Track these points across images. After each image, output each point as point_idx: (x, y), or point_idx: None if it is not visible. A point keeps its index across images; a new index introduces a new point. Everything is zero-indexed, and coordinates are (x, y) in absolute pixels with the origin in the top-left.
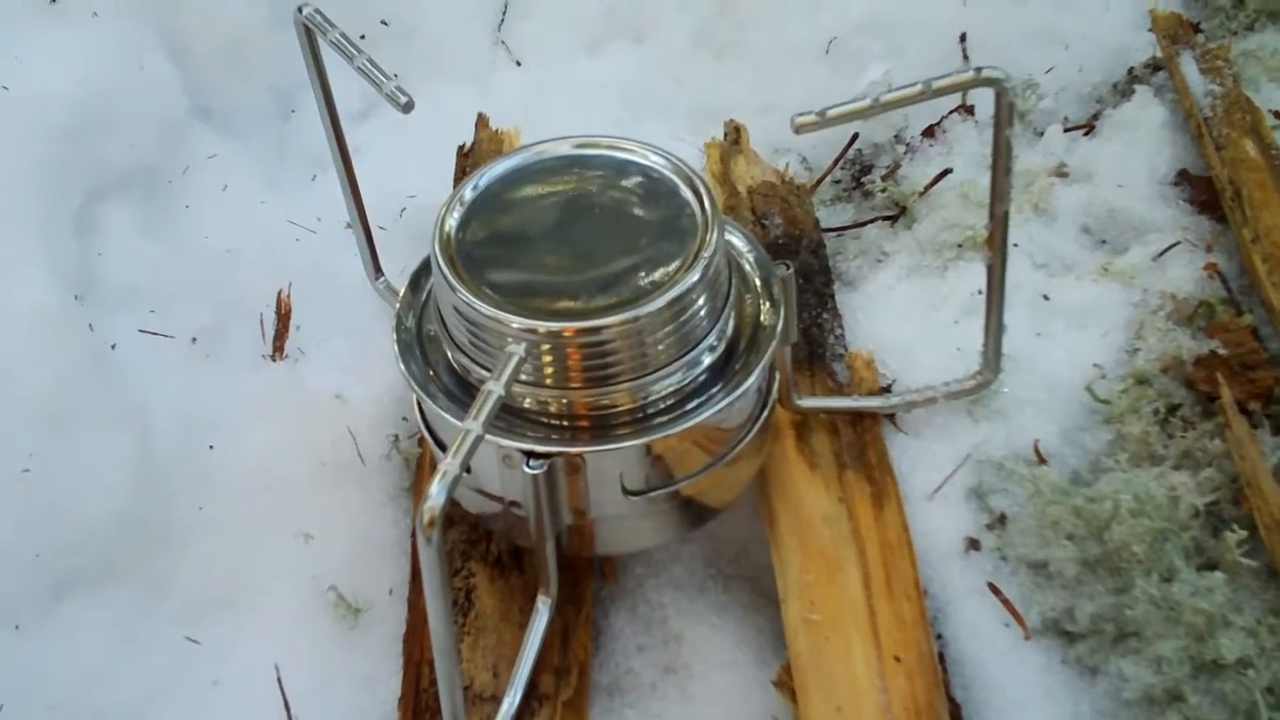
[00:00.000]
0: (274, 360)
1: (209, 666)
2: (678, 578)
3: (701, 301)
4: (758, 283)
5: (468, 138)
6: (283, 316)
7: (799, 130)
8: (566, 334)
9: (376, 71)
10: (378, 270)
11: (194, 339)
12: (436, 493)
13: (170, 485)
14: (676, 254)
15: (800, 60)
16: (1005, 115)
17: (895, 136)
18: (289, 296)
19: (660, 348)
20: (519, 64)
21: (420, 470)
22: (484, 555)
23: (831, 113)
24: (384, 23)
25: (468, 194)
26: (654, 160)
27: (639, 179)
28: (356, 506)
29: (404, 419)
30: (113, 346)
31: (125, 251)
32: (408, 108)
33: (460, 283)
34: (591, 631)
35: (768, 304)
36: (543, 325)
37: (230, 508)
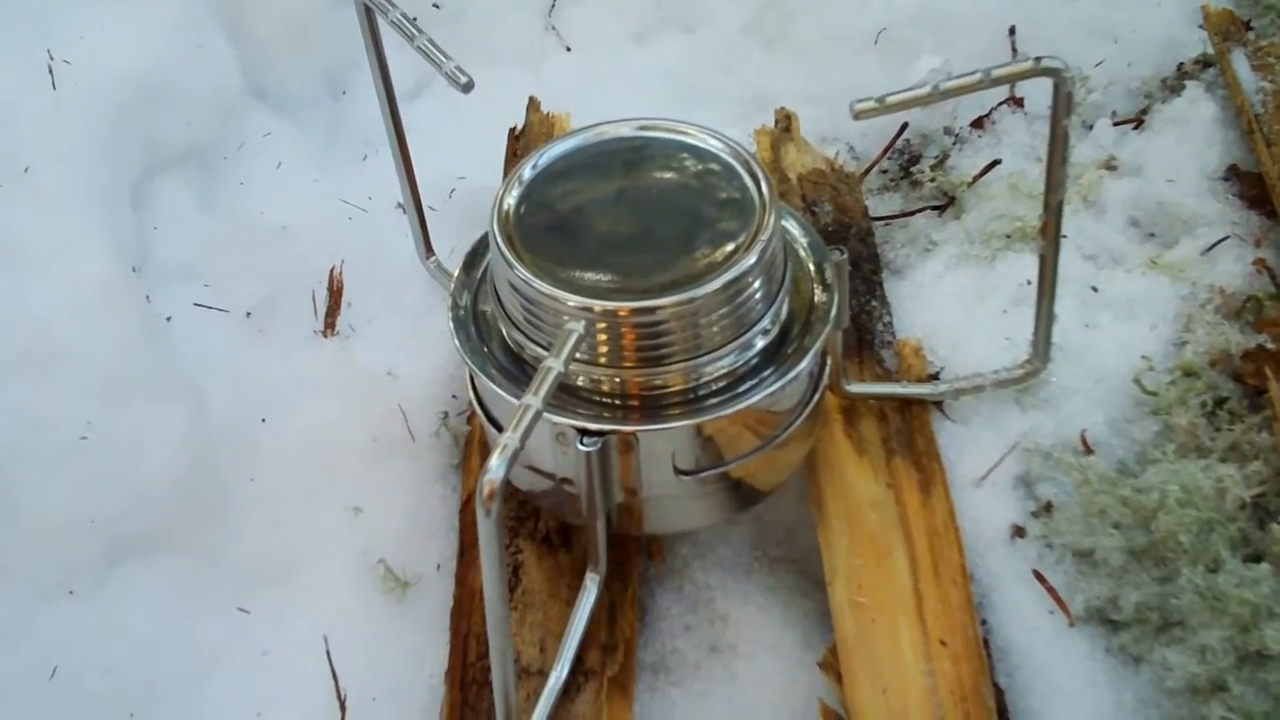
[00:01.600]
0: (326, 336)
1: (259, 636)
2: (724, 558)
3: (757, 285)
4: (811, 268)
5: (517, 121)
6: (335, 293)
7: (858, 116)
8: (622, 313)
9: (437, 51)
10: (429, 249)
11: (248, 313)
12: (497, 465)
13: (223, 457)
14: (733, 237)
15: (849, 51)
16: (1063, 105)
17: (944, 127)
18: (341, 274)
19: (715, 329)
20: (569, 50)
21: (469, 447)
22: (532, 532)
23: (891, 99)
24: (435, 5)
25: (527, 173)
26: (712, 144)
27: (697, 161)
28: (406, 482)
29: (454, 396)
30: (168, 319)
31: (181, 226)
32: (468, 88)
33: (518, 260)
34: (638, 610)
35: (821, 289)
36: (598, 304)
37: (282, 481)
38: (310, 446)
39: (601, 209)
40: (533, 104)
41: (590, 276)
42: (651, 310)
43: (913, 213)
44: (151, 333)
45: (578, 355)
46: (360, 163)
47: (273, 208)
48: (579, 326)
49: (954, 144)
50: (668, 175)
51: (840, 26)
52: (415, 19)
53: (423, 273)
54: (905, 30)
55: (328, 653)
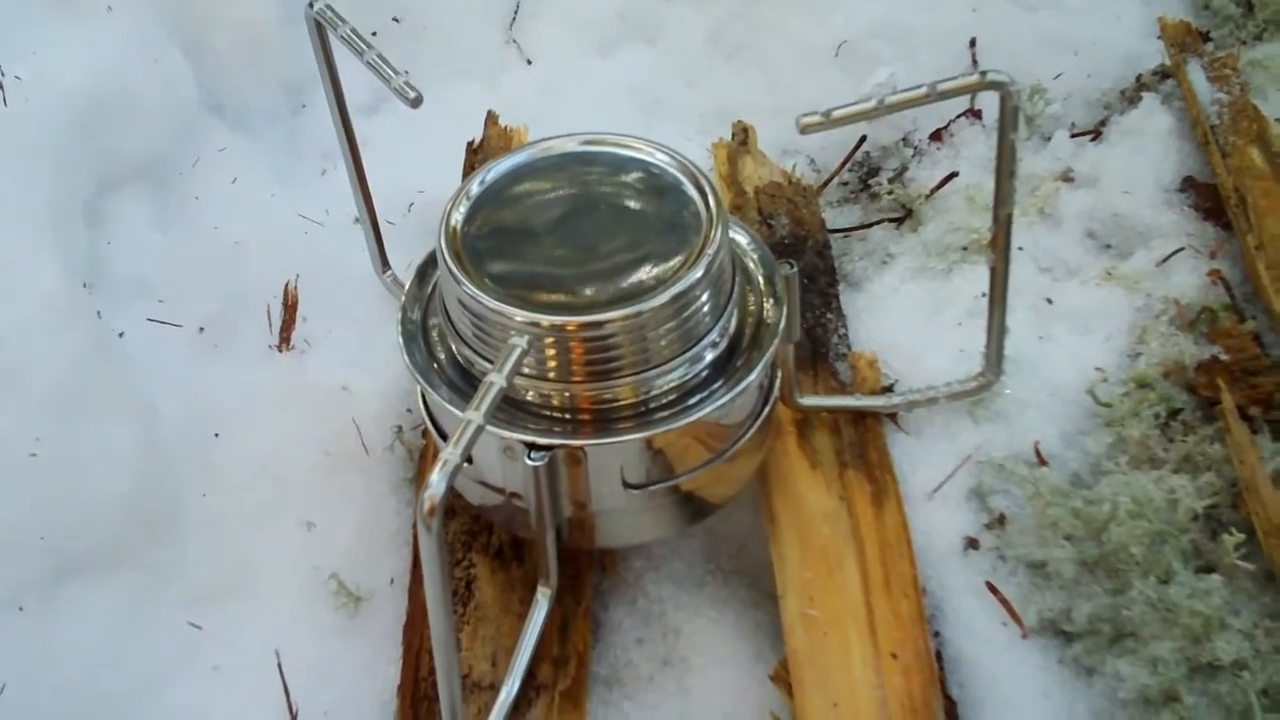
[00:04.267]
0: (280, 351)
1: (211, 652)
2: (677, 572)
3: (705, 298)
4: (761, 281)
5: (477, 135)
6: (289, 308)
7: (804, 130)
8: (569, 328)
9: (386, 66)
10: (385, 264)
11: (201, 329)
12: (437, 481)
13: (175, 473)
14: (681, 250)
15: (811, 63)
16: (1009, 119)
17: (903, 140)
18: (296, 288)
19: (663, 343)
20: (530, 63)
21: (423, 461)
22: (485, 546)
23: (836, 113)
24: (395, 19)
25: (474, 189)
26: (660, 158)
27: (644, 176)
28: (359, 496)
29: (408, 411)
30: (120, 335)
31: (135, 242)
32: (416, 102)
33: (465, 276)
34: (590, 623)
35: (771, 302)
36: (546, 319)
37: (235, 496)
38: (263, 461)
39: (549, 224)
40: (491, 118)
41: (538, 292)
42: (599, 325)
43: (870, 225)
44: (103, 349)
45: (526, 370)
46: (319, 177)
47: (228, 223)
48: (523, 341)
49: (913, 156)
50: (615, 190)
51: (802, 39)
52: (375, 33)
53: (379, 287)
54: (867, 42)
55: (280, 667)
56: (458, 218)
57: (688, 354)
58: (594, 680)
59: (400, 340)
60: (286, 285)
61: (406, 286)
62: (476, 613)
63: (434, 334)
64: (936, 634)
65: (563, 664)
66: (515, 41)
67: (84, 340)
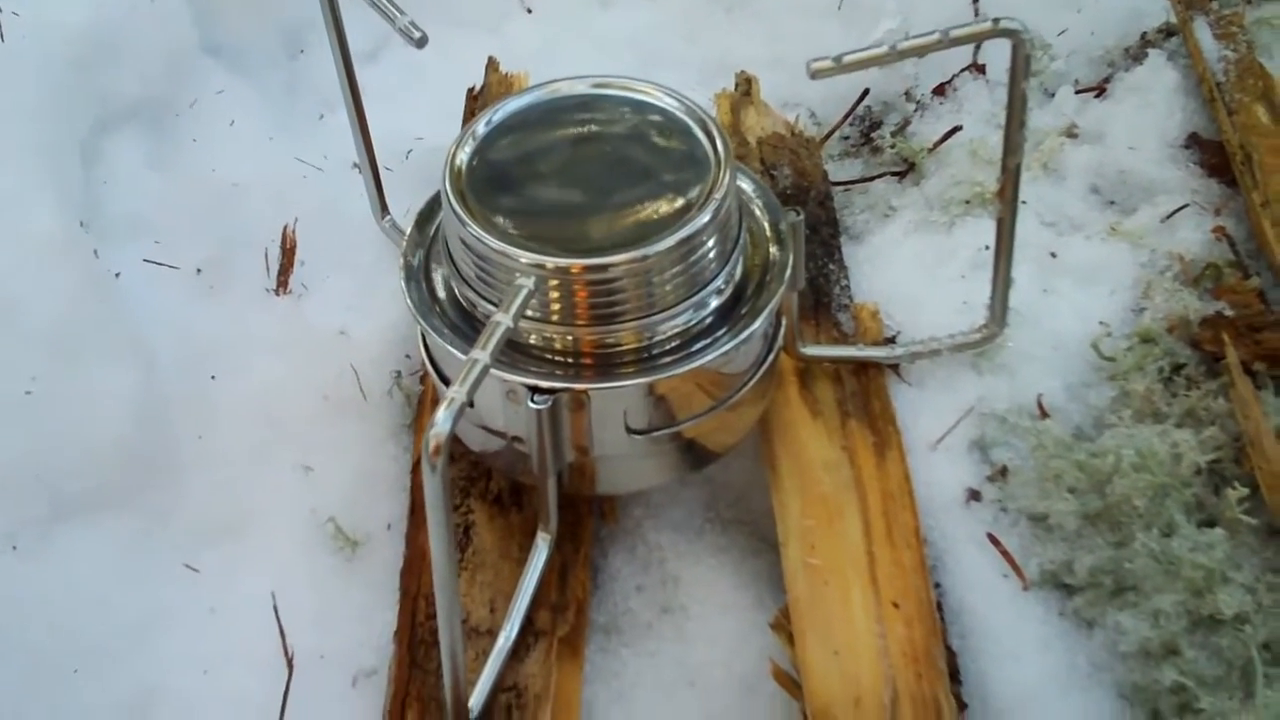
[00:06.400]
0: (278, 295)
1: (207, 594)
2: (677, 520)
3: (711, 243)
4: (767, 228)
5: (477, 82)
6: (288, 252)
7: (815, 75)
8: (574, 270)
9: (390, 6)
10: (384, 209)
11: (198, 270)
12: (442, 419)
13: (172, 414)
14: (687, 195)
15: (812, 16)
16: (1021, 67)
17: (905, 93)
18: (294, 232)
19: (668, 288)
20: (530, 11)
21: (421, 407)
22: (483, 493)
23: (848, 59)
24: None
25: (480, 129)
26: (668, 102)
27: (653, 119)
28: (357, 441)
29: (407, 356)
30: (117, 275)
31: (131, 182)
32: (421, 43)
33: (470, 216)
34: (590, 570)
35: (777, 249)
36: (550, 261)
37: (231, 438)
38: (261, 405)
39: (555, 166)
40: (491, 64)
41: (543, 233)
42: (604, 268)
43: (872, 178)
44: (100, 288)
45: (530, 313)
46: (317, 121)
47: (225, 165)
48: (529, 282)
49: (915, 110)
50: (623, 133)
51: None
52: None
53: (377, 233)
54: None
55: (275, 610)
56: (463, 158)
57: (692, 299)
58: (592, 627)
59: (403, 282)
60: (285, 229)
61: (407, 232)
62: (475, 558)
63: (435, 278)
64: (938, 585)
65: (561, 611)
66: None
67: (80, 279)
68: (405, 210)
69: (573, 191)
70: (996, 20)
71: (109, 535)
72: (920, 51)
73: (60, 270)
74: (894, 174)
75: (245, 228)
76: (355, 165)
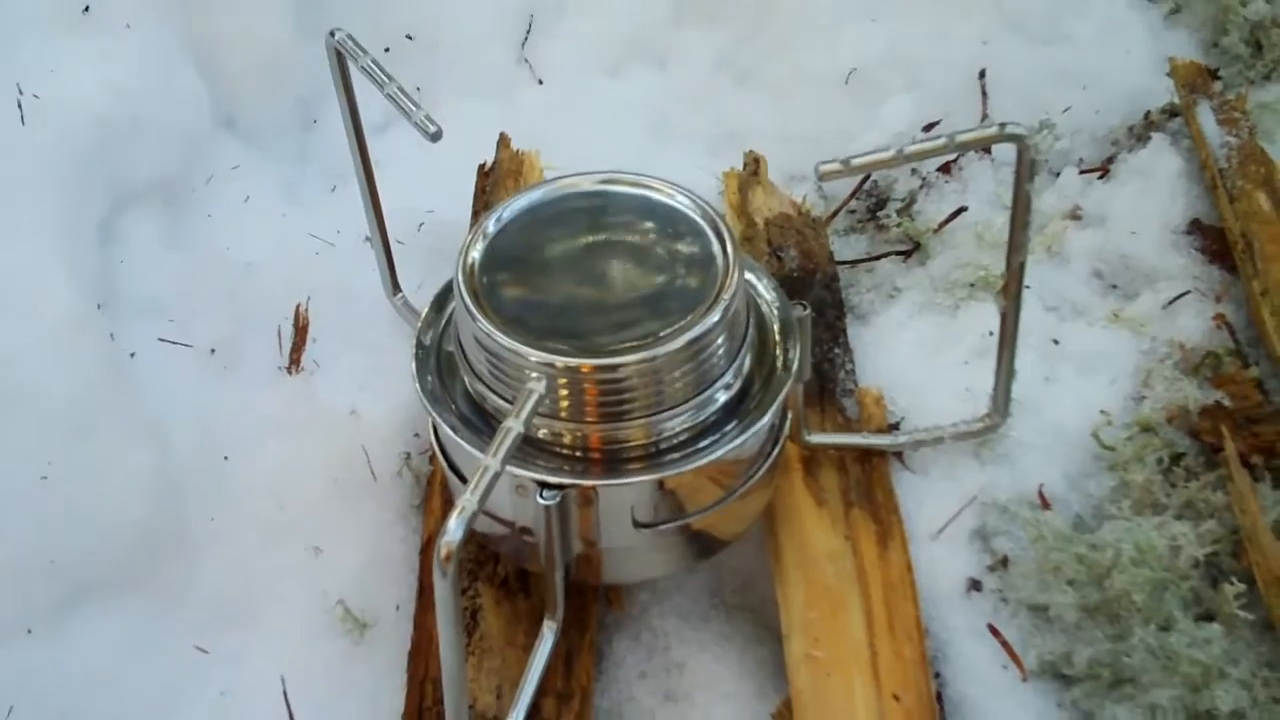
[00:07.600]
0: (290, 373)
1: (217, 676)
2: (682, 606)
3: (720, 342)
4: (775, 321)
5: (487, 154)
6: (300, 330)
7: (823, 178)
8: (584, 370)
9: (406, 100)
10: (395, 286)
11: (212, 350)
12: (454, 528)
13: (185, 495)
14: (696, 294)
15: (820, 90)
16: (1026, 170)
17: (912, 171)
18: (307, 310)
19: (677, 386)
20: (541, 82)
21: (430, 488)
22: (490, 576)
23: (856, 162)
24: (409, 36)
25: (491, 227)
26: (678, 200)
27: (662, 217)
28: (367, 522)
29: (416, 435)
30: (132, 355)
31: (147, 261)
32: (436, 137)
33: (481, 314)
34: (595, 657)
35: (783, 342)
36: (560, 360)
37: (243, 519)
38: (272, 485)
39: (565, 264)
40: (503, 140)
41: (553, 332)
42: (613, 368)
43: (878, 257)
44: (115, 369)
45: (540, 409)
46: (329, 194)
47: (240, 243)
48: (540, 386)
49: (921, 188)
50: (632, 230)
51: (811, 65)
52: (388, 49)
53: (388, 309)
54: (876, 71)
55: (285, 694)
56: (475, 255)
57: (701, 397)
58: (597, 714)
59: (414, 370)
60: (297, 307)
61: (422, 311)
62: (481, 643)
63: (447, 361)
64: (938, 675)
65: (567, 698)
66: (527, 61)
67: (96, 361)
68: (417, 285)
69: (582, 290)
70: (1003, 125)
71: (121, 617)
72: (927, 156)
73: (76, 351)
74: (899, 253)
75: (258, 305)
76: (367, 239)
